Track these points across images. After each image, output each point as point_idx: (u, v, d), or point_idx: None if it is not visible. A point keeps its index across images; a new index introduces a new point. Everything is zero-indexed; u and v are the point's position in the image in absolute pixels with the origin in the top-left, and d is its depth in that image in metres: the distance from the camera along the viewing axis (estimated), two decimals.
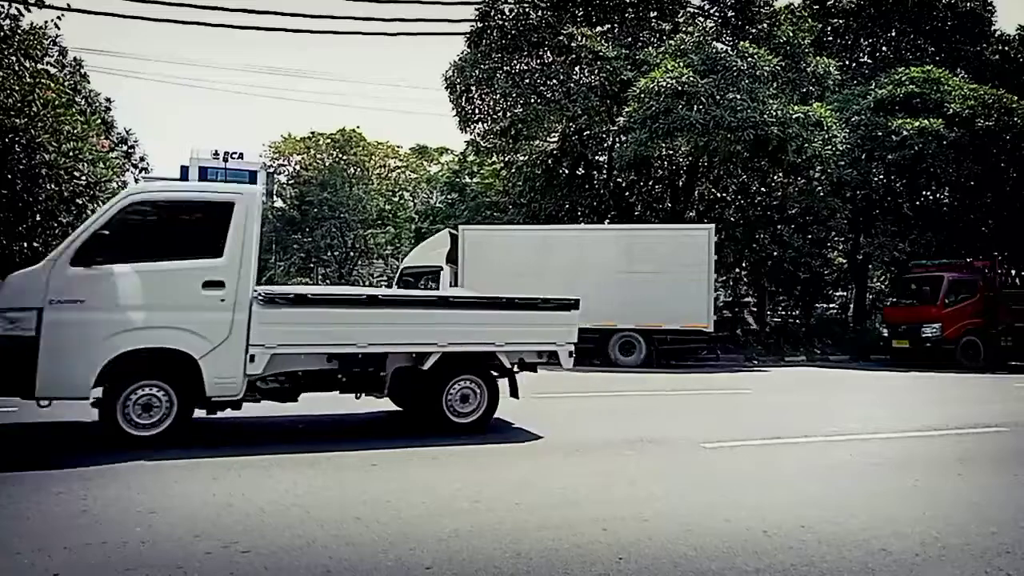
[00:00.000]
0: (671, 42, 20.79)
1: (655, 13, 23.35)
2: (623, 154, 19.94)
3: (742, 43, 20.17)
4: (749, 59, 19.28)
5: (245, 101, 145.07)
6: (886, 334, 20.98)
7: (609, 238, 19.51)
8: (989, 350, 19.60)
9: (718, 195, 24.52)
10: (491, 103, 22.25)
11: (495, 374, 7.88)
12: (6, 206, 13.41)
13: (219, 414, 7.02)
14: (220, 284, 6.50)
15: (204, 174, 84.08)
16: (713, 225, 19.09)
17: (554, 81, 21.48)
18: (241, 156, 67.86)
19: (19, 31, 14.21)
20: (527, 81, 21.62)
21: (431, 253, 20.17)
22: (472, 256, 19.18)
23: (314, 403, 7.97)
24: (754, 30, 22.40)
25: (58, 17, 14.01)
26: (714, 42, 20.74)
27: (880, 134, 21.47)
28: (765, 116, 18.48)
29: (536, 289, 18.32)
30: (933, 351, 19.36)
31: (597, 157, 24.67)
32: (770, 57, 19.76)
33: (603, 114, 20.88)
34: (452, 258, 19.50)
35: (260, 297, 6.62)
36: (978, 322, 19.44)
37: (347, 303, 7.46)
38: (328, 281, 51.57)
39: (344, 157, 51.85)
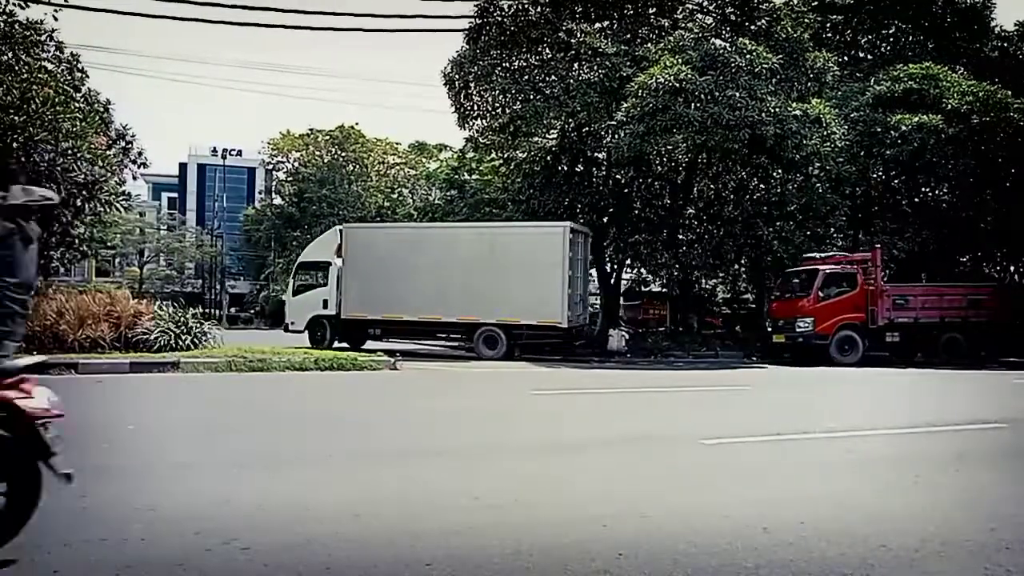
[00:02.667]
0: (670, 38, 20.74)
1: (654, 9, 23.29)
2: (619, 148, 19.95)
3: (741, 40, 20.13)
4: (748, 56, 19.25)
5: (244, 98, 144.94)
6: (770, 329, 20.68)
7: (473, 235, 20.36)
8: (874, 345, 19.13)
9: (717, 192, 24.50)
10: (490, 99, 22.21)
11: None
12: None
13: (218, 411, 7.01)
14: None
15: (202, 171, 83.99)
16: (569, 224, 19.36)
17: (553, 77, 21.44)
18: (240, 153, 67.77)
19: (16, 25, 14.17)
20: (526, 77, 21.58)
21: (324, 248, 21.43)
22: (354, 252, 20.23)
23: (314, 400, 7.99)
24: (753, 27, 22.34)
25: (56, 10, 13.98)
26: (713, 39, 20.71)
27: (879, 130, 21.46)
28: (762, 114, 18.47)
29: (410, 284, 19.22)
30: (805, 346, 19.07)
31: (596, 154, 24.63)
32: (769, 55, 19.73)
33: (602, 110, 20.84)
34: (341, 252, 20.63)
35: None
36: (857, 316, 18.93)
37: None
38: None
39: (343, 154, 51.84)
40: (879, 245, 20.23)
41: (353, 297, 19.90)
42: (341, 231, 21.11)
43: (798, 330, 19.11)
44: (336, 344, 20.07)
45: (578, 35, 20.58)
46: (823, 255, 20.69)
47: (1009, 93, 21.81)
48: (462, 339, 19.90)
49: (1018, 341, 22.63)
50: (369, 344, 20.38)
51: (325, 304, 20.39)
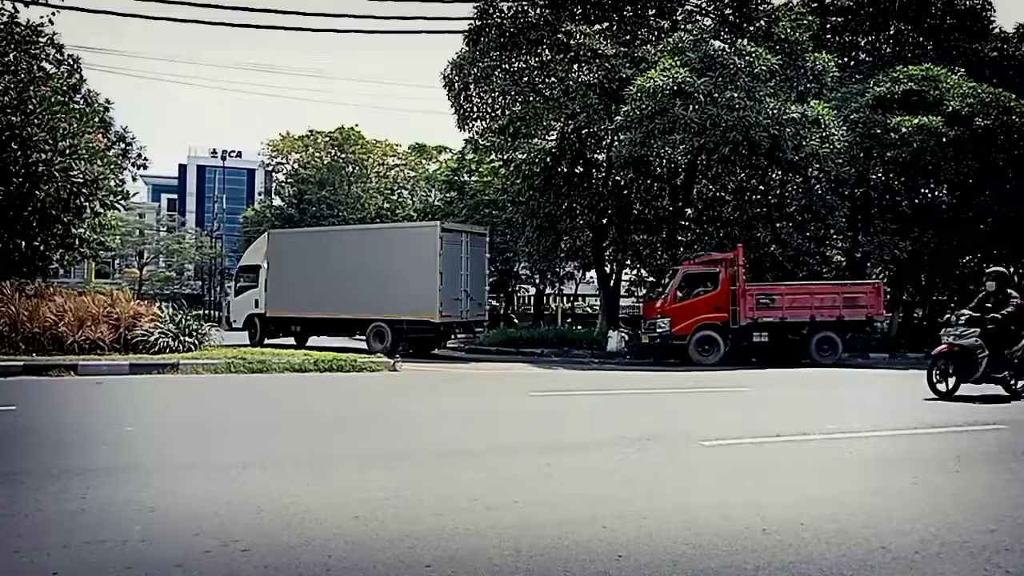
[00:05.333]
0: (669, 40, 20.75)
1: (653, 11, 23.30)
2: (619, 153, 19.96)
3: (740, 41, 20.13)
4: (747, 57, 19.25)
5: (243, 99, 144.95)
6: (642, 330, 20.54)
7: (363, 236, 22.11)
8: (740, 344, 18.88)
9: (716, 193, 24.50)
10: (490, 101, 22.21)
11: None
12: (2, 205, 13.38)
13: (218, 412, 7.01)
14: None
15: (202, 173, 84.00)
16: (440, 223, 20.45)
17: (552, 79, 21.44)
18: (239, 154, 67.84)
19: (16, 27, 14.20)
20: (525, 79, 21.58)
21: (257, 252, 23.15)
22: (275, 256, 21.91)
23: (313, 401, 7.99)
24: (752, 28, 22.36)
25: (52, 13, 14.01)
26: (712, 40, 20.72)
27: (879, 131, 21.44)
28: (760, 116, 18.46)
29: (319, 283, 20.58)
30: (664, 346, 18.95)
31: (596, 155, 24.64)
32: (768, 56, 19.74)
33: (602, 112, 20.85)
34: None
35: None
36: (719, 316, 18.59)
37: None
38: None
39: (342, 155, 51.83)
40: (741, 244, 20.15)
41: (276, 296, 21.54)
42: (268, 235, 23.04)
43: (657, 331, 18.95)
44: (267, 340, 21.50)
45: (577, 37, 20.58)
46: (693, 255, 20.68)
47: (1013, 96, 21.80)
48: (357, 334, 21.15)
49: (901, 337, 22.74)
50: (318, 340, 21.52)
51: (257, 304, 22.09)
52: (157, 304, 17.35)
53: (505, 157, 25.84)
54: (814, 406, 10.80)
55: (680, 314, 18.62)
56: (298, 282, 21.05)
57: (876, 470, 6.05)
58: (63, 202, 14.21)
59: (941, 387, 10.82)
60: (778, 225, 22.14)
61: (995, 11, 27.29)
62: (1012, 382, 11.13)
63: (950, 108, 21.47)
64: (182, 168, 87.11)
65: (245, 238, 61.50)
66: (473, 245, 20.43)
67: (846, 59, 27.35)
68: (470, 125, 23.06)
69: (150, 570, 3.42)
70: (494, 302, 41.00)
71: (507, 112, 21.80)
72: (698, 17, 23.66)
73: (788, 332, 18.96)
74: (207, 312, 44.23)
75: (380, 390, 11.80)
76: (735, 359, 18.50)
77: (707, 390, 12.59)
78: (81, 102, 20.83)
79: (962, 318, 10.99)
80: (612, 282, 25.75)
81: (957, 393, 10.66)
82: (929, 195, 24.88)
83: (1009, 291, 11.25)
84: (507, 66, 21.56)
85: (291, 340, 21.71)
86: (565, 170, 24.43)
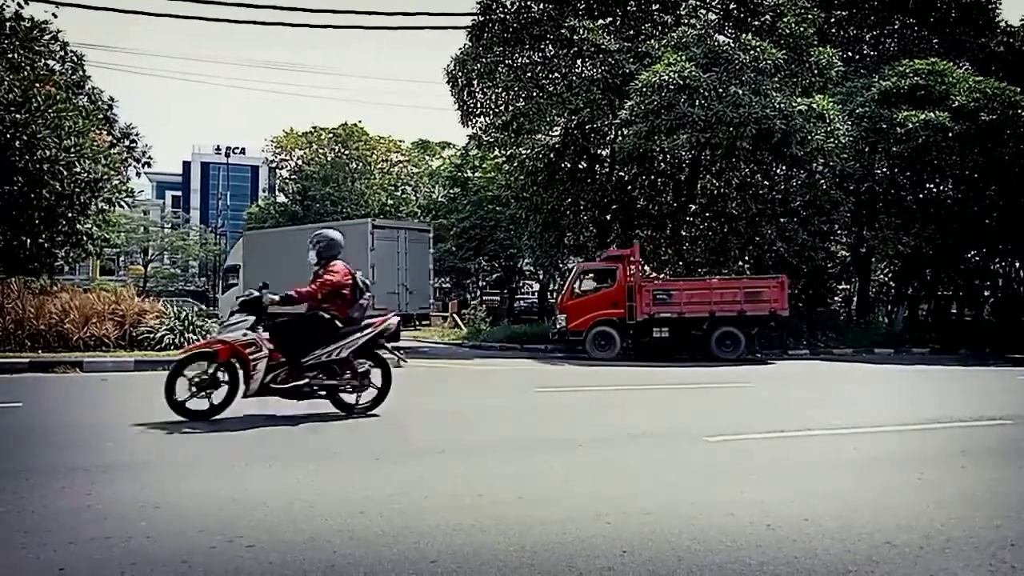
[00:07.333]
0: (673, 35, 20.70)
1: (657, 5, 23.26)
2: (623, 147, 19.94)
3: (744, 36, 20.07)
4: (752, 52, 19.19)
5: (247, 96, 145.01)
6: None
7: (310, 234, 22.86)
8: (640, 340, 19.16)
9: (720, 189, 24.46)
10: (493, 97, 22.21)
11: None
12: (7, 203, 13.40)
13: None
14: None
15: (206, 169, 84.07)
16: (370, 220, 21.26)
17: (556, 74, 21.42)
18: (243, 151, 67.90)
19: (21, 24, 14.20)
20: (529, 74, 21.56)
21: (239, 252, 24.42)
22: (250, 255, 23.13)
23: (316, 399, 8.00)
24: (756, 22, 22.29)
25: (56, 6, 14.01)
26: (716, 35, 20.68)
27: (884, 126, 21.37)
28: (767, 110, 18.41)
29: (283, 280, 22.28)
30: (563, 341, 19.46)
31: (599, 151, 24.62)
32: (772, 51, 19.67)
33: (605, 107, 20.82)
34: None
35: None
36: (616, 312, 18.74)
37: None
38: None
39: (346, 152, 51.85)
40: (637, 241, 20.39)
41: None
42: (244, 236, 24.48)
43: (557, 327, 19.49)
44: None
45: (581, 32, 20.54)
46: (600, 252, 21.01)
47: (1019, 91, 21.70)
48: None
49: (906, 332, 22.66)
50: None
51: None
52: (162, 301, 17.40)
53: (508, 153, 25.86)
54: (818, 402, 10.78)
55: (576, 310, 19.02)
56: (267, 279, 21.91)
57: (881, 466, 6.03)
58: (68, 198, 14.23)
59: (199, 403, 7.16)
60: (783, 220, 22.08)
61: (1001, 4, 27.21)
62: (343, 392, 7.97)
63: (956, 103, 21.39)
64: (186, 165, 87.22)
65: None
66: (412, 241, 21.12)
67: (851, 53, 27.26)
68: (473, 121, 23.08)
69: (155, 566, 3.43)
70: (496, 297, 41.04)
71: (510, 108, 21.80)
72: (702, 12, 23.60)
73: (690, 327, 19.04)
74: (212, 309, 44.37)
75: None
76: (642, 355, 18.89)
77: (711, 386, 12.58)
78: (85, 99, 20.86)
79: (239, 300, 7.97)
80: None
81: (223, 415, 7.18)
82: (934, 190, 24.82)
83: (334, 266, 8.07)
84: (510, 62, 21.55)
85: None
86: (568, 165, 24.41)
